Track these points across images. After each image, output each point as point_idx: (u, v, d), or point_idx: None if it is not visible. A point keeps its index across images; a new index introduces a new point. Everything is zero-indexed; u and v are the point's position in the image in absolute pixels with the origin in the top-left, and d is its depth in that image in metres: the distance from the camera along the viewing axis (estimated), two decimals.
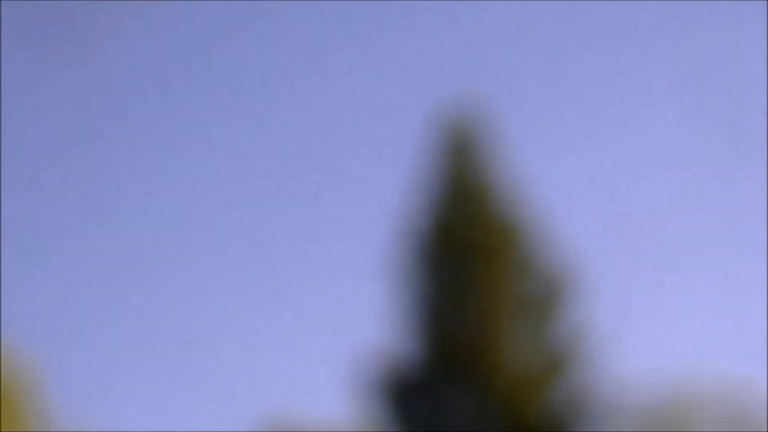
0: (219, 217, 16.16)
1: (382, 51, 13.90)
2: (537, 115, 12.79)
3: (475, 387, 9.14)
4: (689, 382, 12.80)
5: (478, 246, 9.43)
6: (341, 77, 14.47)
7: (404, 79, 13.09)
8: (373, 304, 9.73)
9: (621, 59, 14.65)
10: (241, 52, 15.49)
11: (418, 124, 10.14)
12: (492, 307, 9.20)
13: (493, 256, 9.29)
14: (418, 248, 9.62)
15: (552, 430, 8.72)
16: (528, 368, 9.00)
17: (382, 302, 9.55)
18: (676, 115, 14.09)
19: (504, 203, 9.53)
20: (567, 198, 11.84)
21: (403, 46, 12.89)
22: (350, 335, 11.86)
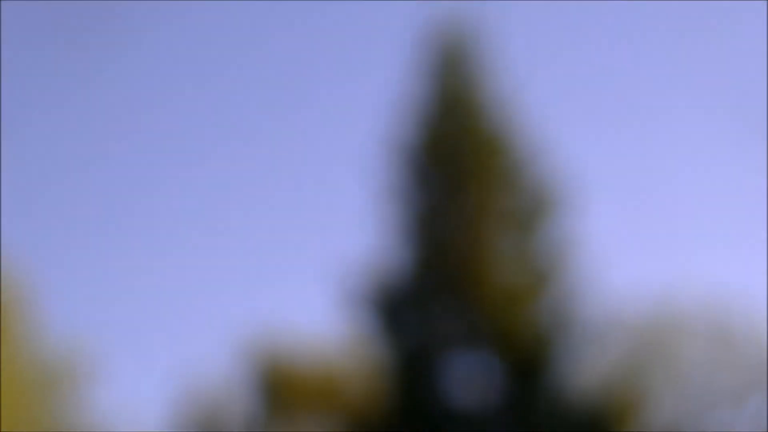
0: (212, 130, 16.15)
1: None
2: (530, 28, 12.66)
3: (462, 300, 9.19)
4: (674, 296, 12.92)
5: (467, 159, 9.40)
6: None
7: None
8: (362, 217, 9.74)
9: None
10: None
11: (410, 35, 10.06)
12: (480, 220, 9.20)
13: (482, 169, 9.28)
14: (408, 160, 9.60)
15: (538, 343, 8.77)
16: (514, 281, 9.04)
17: (371, 215, 9.56)
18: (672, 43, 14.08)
19: (494, 116, 9.49)
20: (559, 110, 11.81)
21: None
22: (339, 249, 11.87)
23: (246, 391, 13.70)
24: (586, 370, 10.50)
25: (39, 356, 12.17)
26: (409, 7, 10.42)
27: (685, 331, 12.42)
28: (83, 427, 11.80)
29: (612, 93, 14.60)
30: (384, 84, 9.93)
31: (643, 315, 12.83)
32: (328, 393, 13.56)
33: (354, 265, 9.35)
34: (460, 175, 9.33)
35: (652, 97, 14.54)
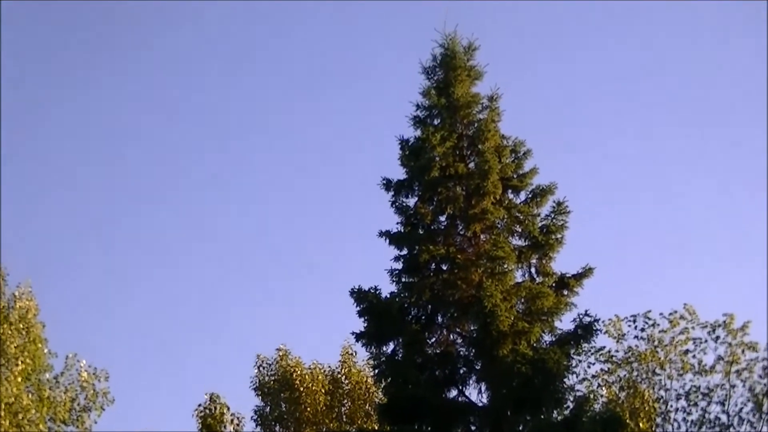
0: None
1: None
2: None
3: (466, 330, 9.41)
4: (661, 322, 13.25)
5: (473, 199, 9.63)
6: None
7: None
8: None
9: None
10: None
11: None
12: (486, 257, 9.30)
13: (486, 214, 9.44)
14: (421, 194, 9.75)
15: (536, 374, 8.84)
16: (517, 318, 9.20)
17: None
18: None
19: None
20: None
21: None
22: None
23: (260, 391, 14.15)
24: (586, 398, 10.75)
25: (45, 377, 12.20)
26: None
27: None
28: None
29: None
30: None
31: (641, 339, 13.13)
32: (332, 387, 14.05)
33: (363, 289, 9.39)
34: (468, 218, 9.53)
35: None
